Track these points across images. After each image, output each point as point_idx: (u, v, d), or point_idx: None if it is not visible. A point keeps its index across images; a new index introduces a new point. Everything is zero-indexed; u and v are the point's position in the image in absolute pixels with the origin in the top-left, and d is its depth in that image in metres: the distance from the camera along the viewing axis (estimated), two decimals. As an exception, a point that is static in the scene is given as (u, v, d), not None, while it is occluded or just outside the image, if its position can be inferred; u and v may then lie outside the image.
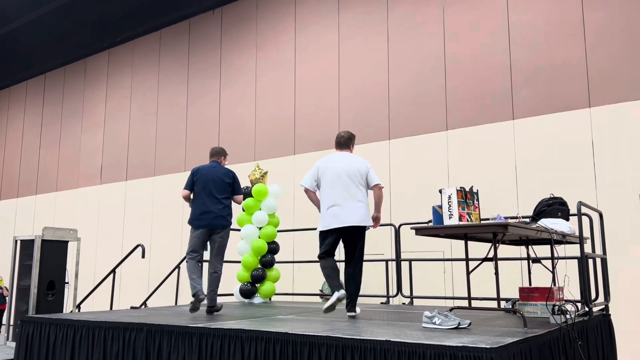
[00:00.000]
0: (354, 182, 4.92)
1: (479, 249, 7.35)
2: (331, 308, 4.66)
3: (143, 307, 7.40)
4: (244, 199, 7.55)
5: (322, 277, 9.78)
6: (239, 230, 7.58)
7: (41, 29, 14.55)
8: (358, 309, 4.89)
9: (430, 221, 5.62)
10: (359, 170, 4.96)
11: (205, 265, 5.79)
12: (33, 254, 6.77)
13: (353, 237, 4.98)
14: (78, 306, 7.44)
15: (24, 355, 5.03)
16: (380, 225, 7.58)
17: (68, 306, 7.40)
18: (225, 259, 8.87)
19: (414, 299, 6.77)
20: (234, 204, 5.83)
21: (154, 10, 13.56)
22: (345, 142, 5.17)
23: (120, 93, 14.79)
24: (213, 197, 5.47)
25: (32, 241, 6.87)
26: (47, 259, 6.85)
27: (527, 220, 4.70)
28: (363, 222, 4.87)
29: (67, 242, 7.17)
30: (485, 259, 4.27)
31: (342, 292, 4.67)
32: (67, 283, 7.17)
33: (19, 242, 7.05)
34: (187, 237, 12.14)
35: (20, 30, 14.67)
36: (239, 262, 7.61)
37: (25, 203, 16.90)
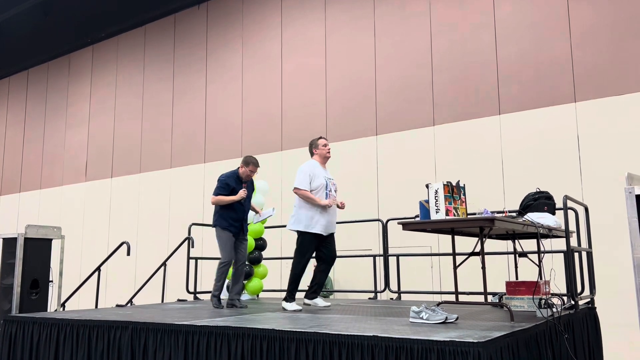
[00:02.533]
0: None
1: (466, 243, 7.37)
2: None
3: (129, 305, 7.34)
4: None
5: (310, 273, 9.76)
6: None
7: (23, 25, 14.32)
8: (286, 304, 5.24)
9: (417, 216, 5.62)
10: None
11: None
12: (16, 252, 6.67)
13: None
14: (63, 305, 7.35)
15: (7, 355, 4.95)
16: (368, 221, 7.61)
17: (52, 305, 7.31)
18: (212, 255, 8.86)
19: (401, 294, 6.77)
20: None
21: (138, 5, 13.41)
22: (309, 150, 5.65)
23: (104, 89, 14.62)
24: None
25: (14, 239, 6.76)
26: (31, 257, 6.75)
27: (514, 214, 4.71)
28: (289, 227, 5.42)
29: (50, 240, 7.07)
30: (472, 254, 4.27)
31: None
32: (51, 281, 7.07)
33: (1, 241, 6.93)
34: (174, 233, 12.06)
35: (2, 25, 14.43)
36: (226, 258, 7.56)
37: (9, 201, 16.67)
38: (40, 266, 6.88)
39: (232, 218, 5.85)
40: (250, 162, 5.96)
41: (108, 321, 4.37)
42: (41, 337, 4.75)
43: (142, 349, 4.12)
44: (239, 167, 5.97)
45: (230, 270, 6.09)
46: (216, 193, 5.84)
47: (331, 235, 5.51)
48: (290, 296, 5.30)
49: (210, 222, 9.68)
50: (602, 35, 7.88)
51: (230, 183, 5.87)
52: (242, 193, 5.82)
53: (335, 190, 5.48)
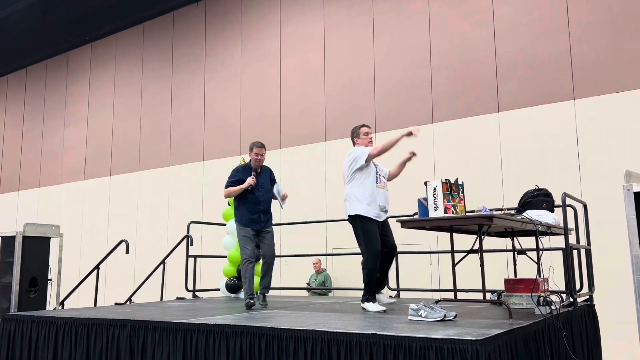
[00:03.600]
0: (343, 179, 5.05)
1: (464, 241, 7.36)
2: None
3: (128, 303, 7.34)
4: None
5: (309, 271, 9.77)
6: (225, 225, 7.52)
7: (22, 22, 14.28)
8: (367, 305, 4.76)
9: (415, 214, 5.62)
10: (344, 166, 5.03)
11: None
12: (14, 250, 6.65)
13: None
14: (61, 303, 7.35)
15: (6, 354, 4.95)
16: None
17: (51, 303, 7.30)
18: (211, 253, 8.82)
19: (400, 292, 6.77)
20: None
21: (137, 3, 13.38)
22: (351, 138, 5.28)
23: (103, 87, 14.60)
24: None
25: (13, 237, 6.74)
26: (29, 256, 6.73)
27: (512, 212, 4.71)
28: (346, 215, 4.95)
29: (49, 238, 7.05)
30: (471, 251, 4.27)
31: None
32: (50, 280, 7.06)
33: None
34: (172, 231, 12.04)
35: (0, 23, 14.40)
36: (225, 256, 7.56)
37: (8, 199, 16.65)
38: (38, 264, 6.86)
39: (248, 211, 5.69)
40: (253, 146, 5.84)
41: (107, 319, 4.36)
42: (40, 336, 4.75)
43: (140, 347, 4.12)
44: (250, 158, 5.92)
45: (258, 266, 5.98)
46: (226, 186, 5.80)
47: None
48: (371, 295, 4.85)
49: (210, 220, 9.68)
50: (601, 33, 7.87)
51: (239, 173, 5.78)
52: (249, 180, 5.68)
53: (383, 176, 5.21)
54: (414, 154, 5.23)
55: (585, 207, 5.51)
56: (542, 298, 4.05)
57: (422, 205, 4.10)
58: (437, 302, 4.17)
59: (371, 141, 5.23)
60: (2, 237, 6.94)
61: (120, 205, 13.44)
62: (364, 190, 4.89)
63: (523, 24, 8.48)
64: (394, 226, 8.14)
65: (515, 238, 5.21)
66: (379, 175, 5.15)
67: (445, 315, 3.72)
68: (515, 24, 8.55)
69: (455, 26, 9.10)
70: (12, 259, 6.68)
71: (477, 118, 8.70)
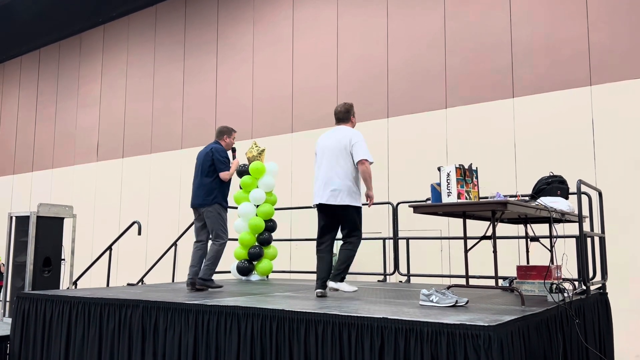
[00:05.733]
0: (337, 158, 4.65)
1: (476, 227, 7.33)
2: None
3: (140, 284, 7.41)
4: (241, 177, 7.51)
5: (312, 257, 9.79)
6: (236, 208, 7.54)
7: (35, 3, 14.29)
8: (335, 284, 4.58)
9: (428, 199, 5.58)
10: (344, 145, 4.63)
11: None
12: (28, 230, 6.73)
13: (336, 215, 4.75)
14: (75, 283, 7.44)
15: (20, 331, 5.02)
16: (378, 204, 7.56)
17: (65, 283, 7.40)
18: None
19: (411, 277, 6.77)
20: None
21: (149, -16, 13.32)
22: (343, 115, 4.84)
23: (115, 69, 14.60)
24: (197, 178, 5.76)
25: (27, 217, 6.82)
26: (43, 236, 6.81)
27: (527, 198, 4.66)
28: (338, 201, 4.61)
29: (62, 218, 7.12)
30: (484, 237, 4.24)
31: (318, 291, 4.61)
32: (64, 260, 7.14)
33: (14, 219, 7.00)
34: (184, 213, 12.10)
35: (14, 4, 14.41)
36: (236, 239, 7.59)
37: (22, 180, 16.82)
38: (52, 244, 6.95)
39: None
40: (232, 130, 6.02)
41: (119, 299, 4.41)
42: (54, 314, 4.81)
43: (152, 328, 4.16)
44: (230, 142, 5.92)
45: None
46: (227, 168, 5.78)
47: (331, 208, 4.86)
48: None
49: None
50: (618, 18, 7.71)
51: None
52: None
53: None
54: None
55: (600, 194, 5.44)
56: (554, 285, 4.02)
57: (435, 191, 4.07)
58: (448, 287, 4.16)
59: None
60: (16, 217, 7.02)
61: (133, 187, 13.53)
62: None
63: (540, 8, 8.32)
64: (406, 211, 8.11)
65: (528, 225, 5.16)
66: None
67: (456, 301, 3.71)
68: (531, 8, 8.40)
69: (470, 10, 8.96)
70: (26, 238, 6.77)
71: (491, 103, 8.60)
